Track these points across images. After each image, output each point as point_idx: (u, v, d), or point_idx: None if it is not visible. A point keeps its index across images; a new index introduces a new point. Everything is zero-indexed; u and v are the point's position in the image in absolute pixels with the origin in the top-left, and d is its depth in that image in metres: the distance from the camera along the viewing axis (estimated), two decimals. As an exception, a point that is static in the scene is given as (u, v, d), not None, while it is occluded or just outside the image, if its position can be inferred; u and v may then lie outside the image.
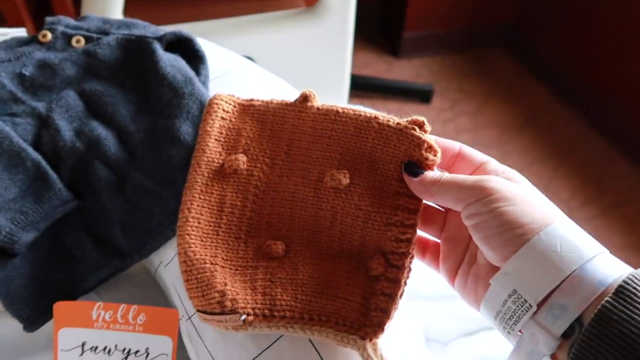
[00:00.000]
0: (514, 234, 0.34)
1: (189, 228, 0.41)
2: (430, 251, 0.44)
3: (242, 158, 0.43)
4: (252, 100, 0.47)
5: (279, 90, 0.58)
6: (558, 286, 0.32)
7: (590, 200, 1.61)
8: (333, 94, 1.24)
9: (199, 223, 0.41)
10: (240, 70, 0.58)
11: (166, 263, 0.47)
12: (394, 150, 0.42)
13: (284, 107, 0.46)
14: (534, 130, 1.83)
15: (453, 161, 0.43)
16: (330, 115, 0.44)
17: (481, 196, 0.36)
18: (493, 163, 0.41)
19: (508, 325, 0.34)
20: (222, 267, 0.39)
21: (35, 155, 0.46)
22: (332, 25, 1.09)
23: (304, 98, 0.45)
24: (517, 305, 0.33)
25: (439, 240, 0.43)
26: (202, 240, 0.40)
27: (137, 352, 0.45)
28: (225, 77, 0.56)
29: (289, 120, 0.45)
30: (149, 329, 0.44)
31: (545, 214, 0.35)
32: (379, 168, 0.43)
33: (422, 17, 2.00)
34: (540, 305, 0.33)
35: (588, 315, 0.31)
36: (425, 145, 0.41)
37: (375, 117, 0.43)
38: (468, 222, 0.37)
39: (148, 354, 0.45)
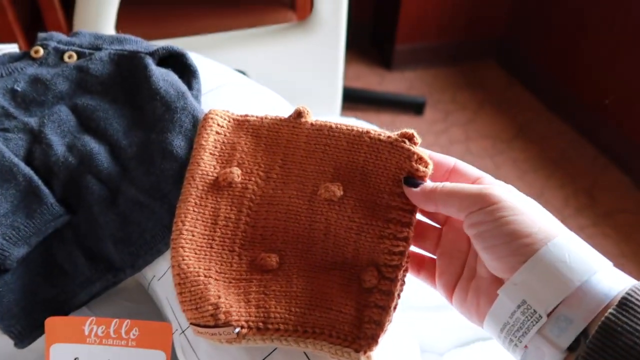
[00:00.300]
0: (521, 244, 0.34)
1: (183, 241, 0.41)
2: (425, 267, 0.44)
3: (236, 171, 0.44)
4: (246, 115, 0.48)
5: (271, 104, 0.58)
6: (565, 298, 0.32)
7: (582, 209, 1.62)
8: (326, 107, 1.24)
9: (193, 236, 0.41)
10: (233, 84, 0.58)
11: (159, 277, 0.46)
12: (386, 163, 0.43)
13: (279, 122, 0.47)
14: (525, 141, 1.85)
15: (447, 176, 0.43)
16: (324, 131, 0.45)
17: (485, 204, 0.36)
18: (488, 178, 0.41)
19: (515, 337, 0.34)
20: (216, 279, 0.39)
21: (27, 170, 0.46)
22: (324, 39, 1.10)
23: (298, 114, 0.46)
24: (527, 317, 0.33)
25: (434, 257, 0.43)
26: (195, 253, 0.40)
27: (130, 367, 0.44)
28: (217, 91, 0.57)
29: (284, 135, 0.46)
30: (142, 344, 0.44)
31: (550, 225, 0.35)
32: (371, 182, 0.43)
33: (414, 29, 2.02)
34: (549, 316, 0.32)
35: (593, 328, 0.31)
36: (415, 157, 0.42)
37: (367, 132, 0.44)
38: (471, 231, 0.37)
39: (141, 369, 0.44)
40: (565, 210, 1.61)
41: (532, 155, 1.79)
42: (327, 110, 1.24)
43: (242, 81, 0.61)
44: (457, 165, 0.43)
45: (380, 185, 0.43)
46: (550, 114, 1.94)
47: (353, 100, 1.87)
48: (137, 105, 0.52)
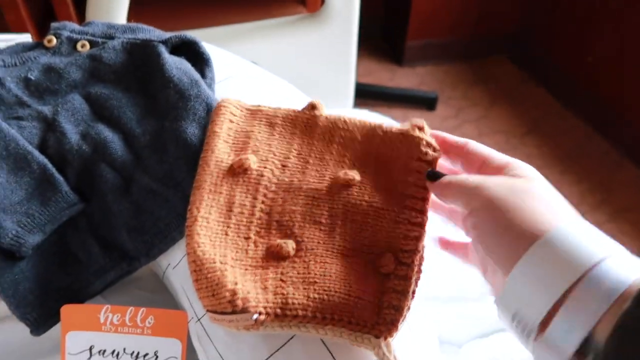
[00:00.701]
0: (511, 247, 0.32)
1: (198, 227, 0.40)
2: (456, 245, 0.44)
3: (252, 157, 0.43)
4: (259, 106, 0.48)
5: (285, 94, 0.58)
6: (561, 300, 0.29)
7: (598, 205, 1.59)
8: (338, 101, 1.24)
9: (208, 223, 0.40)
10: (246, 73, 0.58)
11: (174, 265, 0.46)
12: (398, 153, 0.45)
13: (293, 113, 0.47)
14: (538, 137, 1.82)
15: (463, 156, 0.42)
16: (338, 124, 0.46)
17: (477, 204, 0.35)
18: (496, 158, 0.40)
19: (523, 341, 0.32)
20: (232, 267, 0.39)
21: (41, 158, 0.46)
22: (336, 31, 1.09)
23: (312, 106, 0.47)
24: (522, 327, 0.31)
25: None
26: (210, 240, 0.40)
27: (145, 355, 0.44)
28: (230, 80, 0.56)
29: (298, 126, 0.46)
30: (157, 332, 0.44)
31: (544, 218, 0.32)
32: (385, 171, 0.45)
33: (425, 25, 2.00)
34: (547, 322, 0.30)
35: (605, 327, 0.28)
36: (424, 142, 0.44)
37: (380, 125, 0.46)
38: (470, 234, 0.36)
39: (157, 356, 0.44)
40: (581, 206, 1.59)
41: (546, 151, 1.77)
42: (339, 104, 1.23)
43: (255, 70, 0.60)
44: (468, 145, 0.42)
45: (393, 174, 0.44)
46: (563, 109, 1.92)
47: (365, 95, 1.85)
48: (151, 94, 0.51)
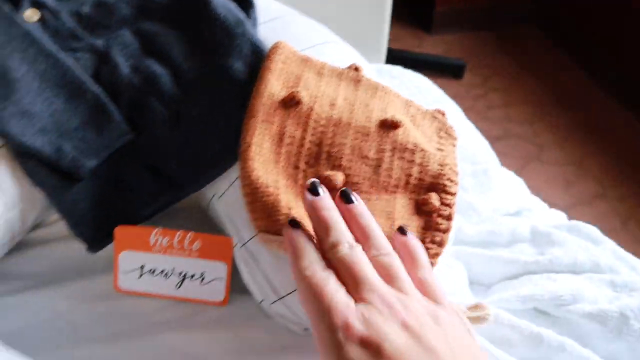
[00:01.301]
0: None
1: (251, 154, 0.42)
2: None
3: (304, 91, 0.45)
4: (309, 57, 0.50)
5: (328, 38, 0.58)
6: None
7: (624, 178, 1.58)
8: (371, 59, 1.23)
9: (261, 150, 0.42)
10: (290, 16, 0.59)
11: (219, 195, 0.48)
12: (424, 129, 0.48)
13: (339, 69, 0.49)
14: (565, 108, 1.81)
15: None
16: (379, 86, 0.49)
17: None
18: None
19: None
20: (284, 193, 0.41)
21: (95, 88, 0.48)
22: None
23: (355, 68, 0.50)
24: None
25: None
26: (263, 167, 0.42)
27: (192, 276, 0.46)
28: (273, 22, 0.57)
29: (344, 79, 0.49)
30: (204, 255, 0.46)
31: None
32: (421, 130, 0.48)
33: (454, -9, 1.98)
34: None
35: None
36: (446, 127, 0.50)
37: (411, 101, 0.50)
38: None
39: (203, 278, 0.46)
40: (606, 180, 1.58)
41: (573, 122, 1.75)
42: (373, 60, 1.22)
43: (297, 16, 0.61)
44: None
45: (426, 133, 0.48)
46: (591, 81, 1.89)
47: (393, 61, 1.84)
48: (197, 31, 0.52)
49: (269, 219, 0.40)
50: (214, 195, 0.49)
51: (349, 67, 0.50)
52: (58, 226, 0.52)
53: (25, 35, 0.48)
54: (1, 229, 0.44)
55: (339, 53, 0.56)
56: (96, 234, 0.46)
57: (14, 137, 0.44)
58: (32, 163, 0.45)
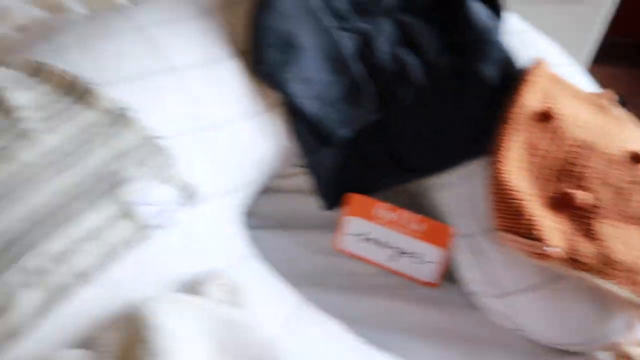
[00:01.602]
0: None
1: (503, 157, 0.45)
2: None
3: (558, 109, 0.47)
4: (562, 77, 0.52)
5: (563, 60, 0.59)
6: None
7: None
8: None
9: (512, 156, 0.45)
10: (532, 32, 0.60)
11: (445, 185, 0.51)
12: None
13: (590, 94, 0.52)
14: None
15: None
16: (622, 117, 0.51)
17: None
18: None
19: None
20: (529, 200, 0.43)
21: (356, 66, 0.53)
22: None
23: (606, 98, 0.52)
24: None
25: None
26: (514, 172, 0.45)
27: (410, 253, 0.50)
28: (519, 35, 0.59)
29: (592, 105, 0.52)
30: (424, 237, 0.50)
31: None
32: None
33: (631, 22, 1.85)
34: None
35: None
36: None
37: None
38: None
39: (420, 257, 0.50)
40: None
41: None
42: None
43: (534, 33, 0.62)
44: None
45: None
46: None
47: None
48: (451, 30, 0.56)
49: (511, 220, 0.43)
50: (437, 184, 0.52)
51: (598, 95, 0.52)
52: (295, 179, 0.59)
53: (312, 11, 0.53)
54: (266, 169, 0.51)
55: (570, 75, 0.57)
56: (331, 195, 0.52)
57: (295, 99, 0.50)
58: (299, 123, 0.51)
